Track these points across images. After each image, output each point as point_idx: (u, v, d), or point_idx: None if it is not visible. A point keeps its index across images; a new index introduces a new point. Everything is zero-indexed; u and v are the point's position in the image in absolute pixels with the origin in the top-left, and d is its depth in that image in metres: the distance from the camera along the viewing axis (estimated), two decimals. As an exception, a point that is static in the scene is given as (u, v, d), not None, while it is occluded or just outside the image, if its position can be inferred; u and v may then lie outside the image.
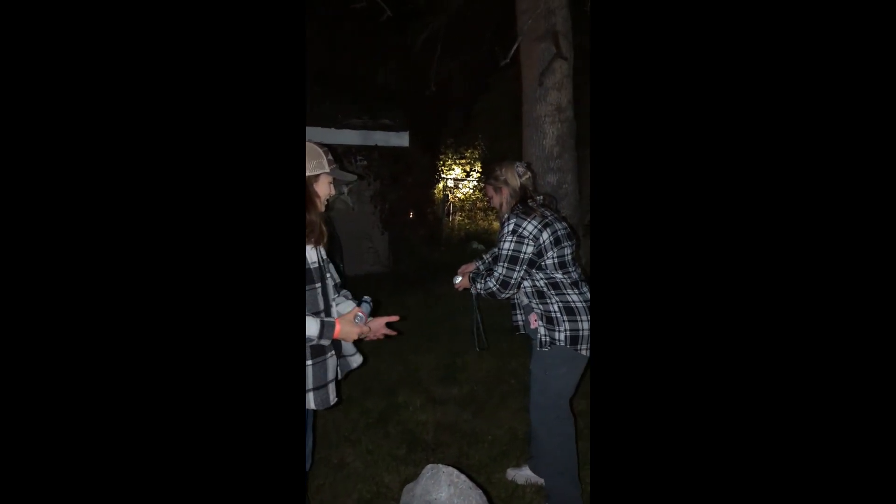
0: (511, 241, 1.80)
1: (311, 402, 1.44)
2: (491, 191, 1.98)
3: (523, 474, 2.10)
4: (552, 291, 1.81)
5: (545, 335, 1.80)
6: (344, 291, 1.67)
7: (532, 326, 1.86)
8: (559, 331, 1.77)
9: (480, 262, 2.15)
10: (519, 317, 2.04)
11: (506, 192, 1.93)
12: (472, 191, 8.56)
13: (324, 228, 1.47)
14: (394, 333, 1.63)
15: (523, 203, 1.89)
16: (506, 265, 1.80)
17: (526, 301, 1.89)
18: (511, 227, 1.81)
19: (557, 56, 3.44)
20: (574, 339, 1.77)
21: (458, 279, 2.03)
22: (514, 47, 3.61)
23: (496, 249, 1.94)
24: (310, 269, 1.43)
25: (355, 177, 1.72)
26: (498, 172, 1.95)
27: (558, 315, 1.78)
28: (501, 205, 1.96)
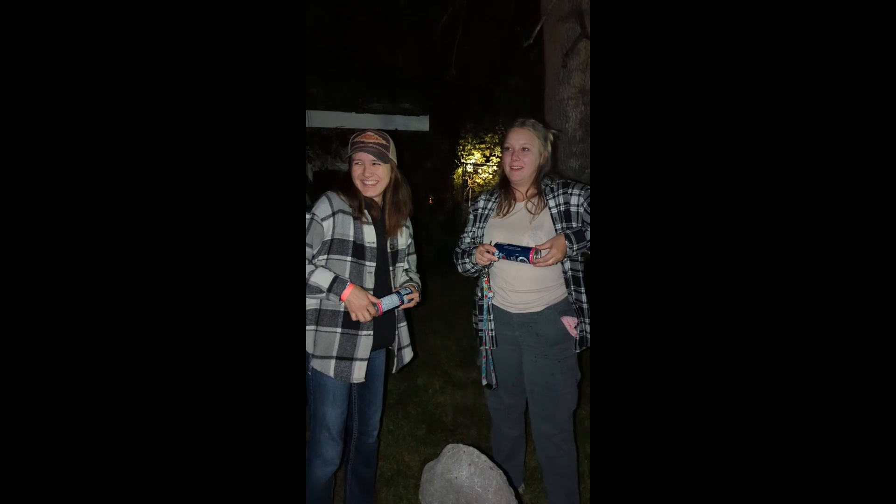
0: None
1: (330, 368, 1.47)
2: (539, 144, 1.60)
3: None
4: (581, 276, 1.61)
5: (588, 333, 1.57)
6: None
7: (574, 334, 1.57)
8: (588, 323, 1.57)
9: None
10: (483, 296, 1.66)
11: (546, 155, 1.64)
12: (491, 176, 8.47)
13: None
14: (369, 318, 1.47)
15: (555, 172, 1.68)
16: None
17: (562, 296, 1.59)
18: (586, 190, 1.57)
19: (582, 36, 3.34)
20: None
21: (543, 252, 1.48)
22: (538, 27, 3.53)
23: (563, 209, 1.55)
24: (367, 247, 1.51)
25: None
26: (545, 129, 1.63)
27: (587, 305, 1.58)
28: (540, 167, 1.62)
